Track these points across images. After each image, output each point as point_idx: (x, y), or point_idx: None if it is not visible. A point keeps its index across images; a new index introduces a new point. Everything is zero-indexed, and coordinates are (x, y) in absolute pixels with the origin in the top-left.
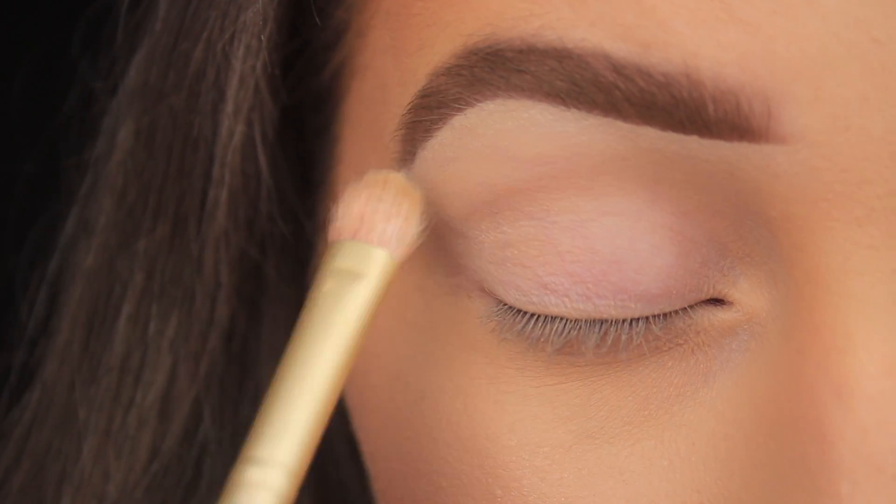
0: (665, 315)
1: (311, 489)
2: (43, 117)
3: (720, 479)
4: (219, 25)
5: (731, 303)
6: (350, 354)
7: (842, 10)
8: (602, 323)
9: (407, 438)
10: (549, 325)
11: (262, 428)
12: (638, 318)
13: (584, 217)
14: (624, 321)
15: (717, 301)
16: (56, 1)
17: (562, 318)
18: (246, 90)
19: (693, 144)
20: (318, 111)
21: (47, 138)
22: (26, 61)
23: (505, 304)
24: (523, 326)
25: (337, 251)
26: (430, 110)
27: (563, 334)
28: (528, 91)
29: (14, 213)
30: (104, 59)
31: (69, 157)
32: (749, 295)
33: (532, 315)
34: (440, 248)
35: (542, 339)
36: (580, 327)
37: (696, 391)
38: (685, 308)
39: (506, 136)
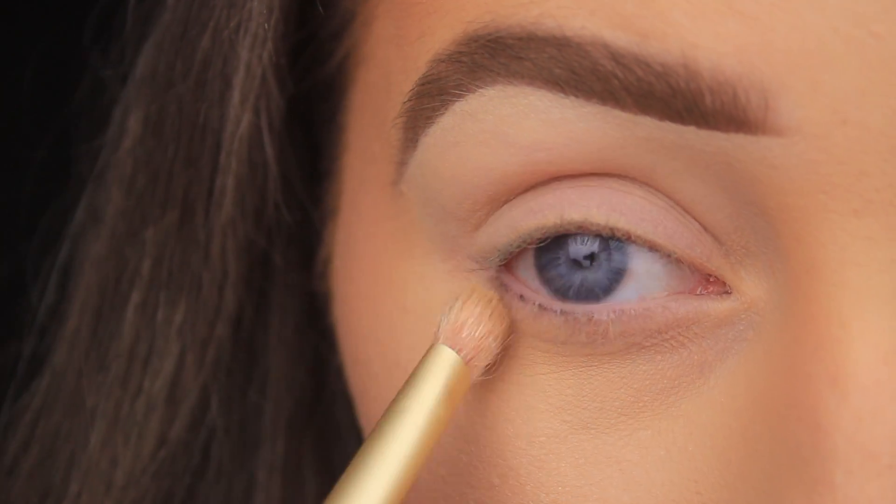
0: None
1: (318, 478)
2: (54, 106)
3: (717, 469)
4: (225, 14)
5: (730, 291)
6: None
7: (841, 5)
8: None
9: None
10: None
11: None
12: None
13: (579, 202)
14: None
15: (717, 291)
16: None
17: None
18: (252, 79)
19: (690, 135)
20: (325, 100)
21: (58, 127)
22: (38, 51)
23: (499, 281)
24: (508, 308)
25: (433, 354)
26: (431, 97)
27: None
28: (527, 78)
29: (25, 202)
30: (115, 48)
31: (80, 146)
32: (747, 283)
33: (515, 293)
34: (437, 233)
35: (525, 325)
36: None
37: (692, 382)
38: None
39: (505, 121)
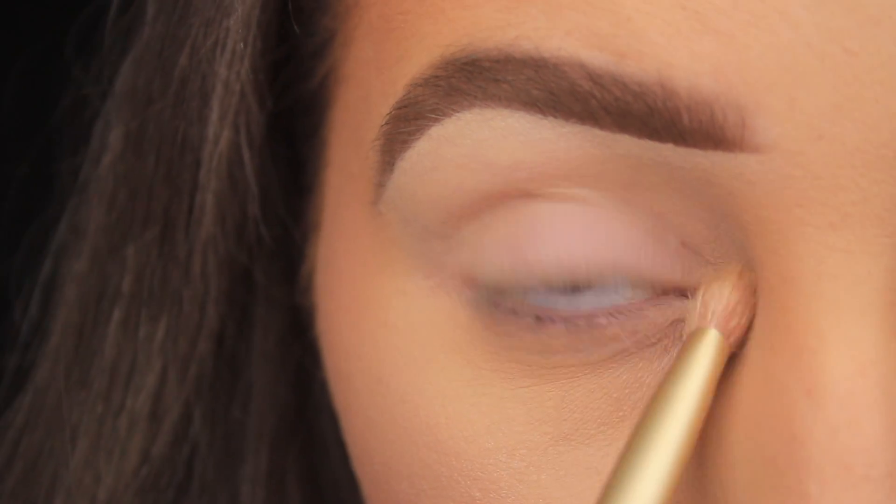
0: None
1: (302, 491)
2: (36, 121)
3: (696, 479)
4: (202, 31)
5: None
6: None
7: (815, 21)
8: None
9: (389, 441)
10: (524, 324)
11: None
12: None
13: (558, 219)
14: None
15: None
16: (50, 5)
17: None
18: (231, 96)
19: (668, 152)
20: (308, 116)
21: (41, 142)
22: (20, 65)
23: (484, 293)
24: (499, 323)
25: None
26: (407, 121)
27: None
28: (505, 100)
29: (7, 217)
30: (97, 63)
31: (62, 162)
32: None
33: (507, 308)
34: (419, 251)
35: (516, 339)
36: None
37: None
38: (658, 304)
39: (483, 144)
